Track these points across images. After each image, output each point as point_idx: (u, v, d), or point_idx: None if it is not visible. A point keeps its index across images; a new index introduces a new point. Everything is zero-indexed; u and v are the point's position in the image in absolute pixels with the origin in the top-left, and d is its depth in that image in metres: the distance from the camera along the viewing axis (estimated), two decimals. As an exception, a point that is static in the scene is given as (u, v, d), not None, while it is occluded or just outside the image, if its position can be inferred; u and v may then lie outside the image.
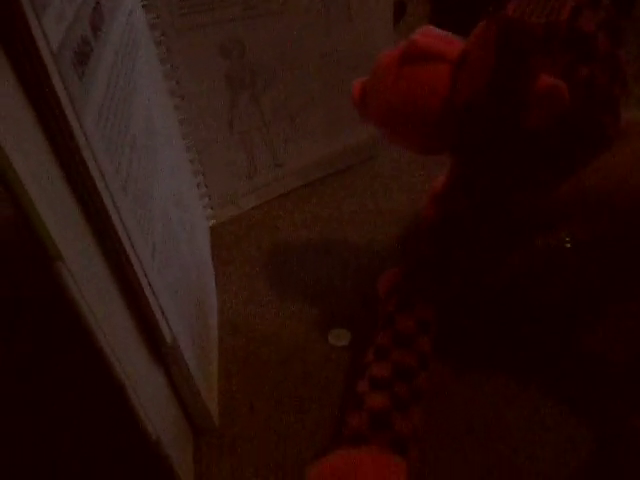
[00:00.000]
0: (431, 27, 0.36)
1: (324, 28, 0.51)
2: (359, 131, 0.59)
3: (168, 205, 0.35)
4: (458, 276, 0.38)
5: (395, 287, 0.39)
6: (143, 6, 0.40)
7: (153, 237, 0.30)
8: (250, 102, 0.50)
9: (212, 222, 0.54)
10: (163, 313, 0.29)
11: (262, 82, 0.49)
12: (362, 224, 0.54)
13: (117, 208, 0.24)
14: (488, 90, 0.31)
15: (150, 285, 0.27)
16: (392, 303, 0.38)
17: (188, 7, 0.42)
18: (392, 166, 0.61)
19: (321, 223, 0.54)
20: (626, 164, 0.31)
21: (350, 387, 0.37)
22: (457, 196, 0.36)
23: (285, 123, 0.53)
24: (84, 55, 0.23)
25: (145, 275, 0.26)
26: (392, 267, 0.48)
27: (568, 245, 0.31)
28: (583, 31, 0.30)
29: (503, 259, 0.37)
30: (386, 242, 0.52)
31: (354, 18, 0.52)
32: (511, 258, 0.37)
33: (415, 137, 0.38)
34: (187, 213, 0.43)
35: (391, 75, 0.36)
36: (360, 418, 0.33)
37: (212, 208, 0.54)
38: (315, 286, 0.48)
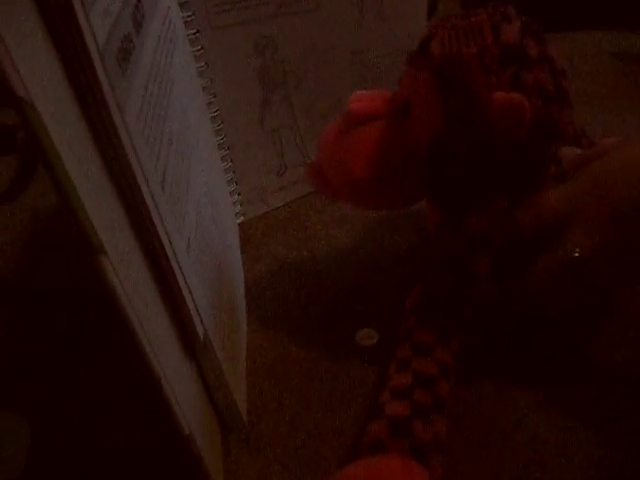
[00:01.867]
0: (360, 93, 0.37)
1: (356, 26, 0.50)
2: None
3: (201, 201, 0.36)
4: (472, 303, 0.37)
5: (415, 306, 0.39)
6: (179, 4, 0.40)
7: (188, 232, 0.30)
8: (282, 100, 0.50)
9: (241, 219, 0.55)
10: (196, 308, 0.29)
11: (294, 80, 0.49)
12: (390, 224, 0.54)
13: (156, 203, 0.24)
14: (448, 127, 0.32)
15: (185, 279, 0.27)
16: (412, 319, 0.38)
17: (222, 5, 0.43)
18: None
19: (349, 222, 0.54)
20: (614, 169, 0.31)
21: (372, 399, 0.37)
22: (452, 238, 0.35)
23: (316, 121, 0.53)
24: (127, 51, 0.24)
25: (180, 270, 0.27)
26: (418, 266, 0.48)
27: (577, 254, 0.31)
28: (510, 44, 0.31)
29: (515, 279, 0.36)
30: (413, 241, 0.52)
31: (387, 16, 0.52)
32: (522, 277, 0.35)
33: (382, 198, 0.39)
34: (218, 209, 0.43)
35: (338, 146, 0.37)
36: (379, 426, 0.32)
37: (242, 205, 0.54)
38: (342, 285, 0.48)
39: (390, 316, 0.45)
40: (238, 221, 0.55)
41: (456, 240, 0.34)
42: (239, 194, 0.53)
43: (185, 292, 0.27)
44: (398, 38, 0.54)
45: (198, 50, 0.43)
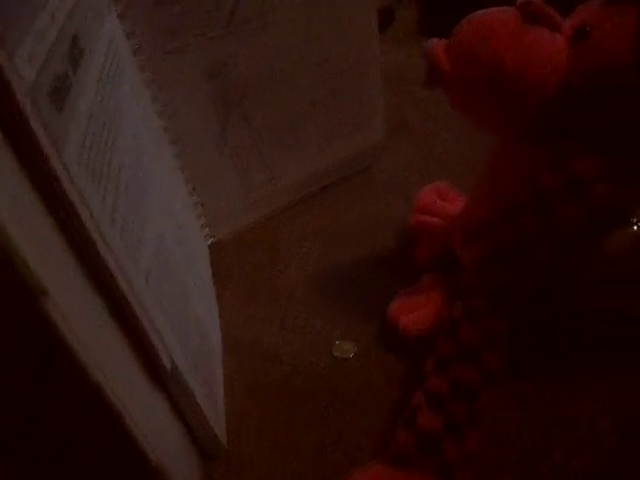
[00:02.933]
0: None
1: (309, 41, 0.51)
2: (353, 141, 0.59)
3: (162, 228, 0.35)
4: (534, 277, 0.35)
5: (458, 292, 0.36)
6: (126, 33, 0.40)
7: (147, 262, 0.30)
8: (241, 119, 0.50)
9: (211, 240, 0.54)
10: (161, 338, 0.29)
11: (252, 99, 0.49)
12: (362, 234, 0.54)
13: (104, 238, 0.24)
14: (632, 66, 0.30)
15: (146, 311, 0.27)
16: (457, 307, 0.35)
17: (170, 31, 0.43)
18: (387, 175, 0.61)
19: (321, 235, 0.54)
20: None
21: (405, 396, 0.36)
22: (550, 176, 0.33)
23: (279, 137, 0.53)
24: (63, 89, 0.23)
25: (139, 302, 0.26)
26: (392, 276, 0.49)
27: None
28: None
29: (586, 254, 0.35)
30: (386, 251, 0.52)
31: (338, 29, 0.52)
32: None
33: (514, 106, 0.34)
34: (185, 233, 0.43)
35: (505, 34, 0.33)
36: (408, 437, 0.32)
37: (210, 226, 0.54)
38: (317, 298, 0.48)
39: (367, 327, 0.45)
40: (208, 243, 0.54)
41: (554, 178, 0.33)
42: (206, 216, 0.53)
43: (146, 324, 0.27)
44: (350, 51, 0.54)
45: (149, 76, 0.43)
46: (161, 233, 0.35)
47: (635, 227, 0.30)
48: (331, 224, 0.55)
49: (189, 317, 0.36)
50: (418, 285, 0.45)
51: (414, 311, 0.42)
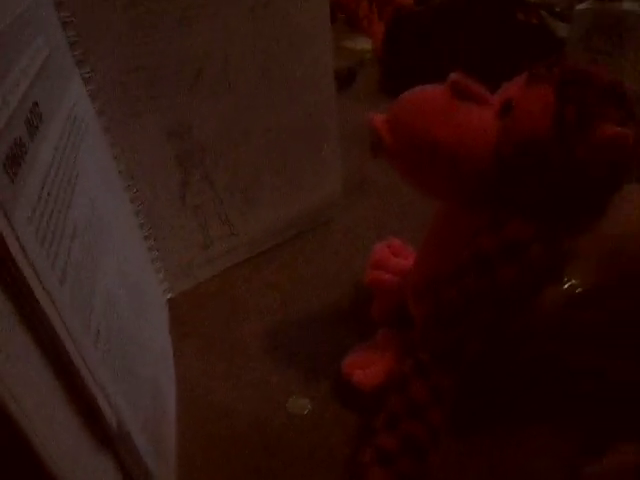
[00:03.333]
0: (461, 73, 0.36)
1: (267, 103, 0.53)
2: (311, 197, 0.61)
3: (114, 287, 0.36)
4: (477, 336, 0.36)
5: (410, 348, 0.38)
6: (90, 96, 0.42)
7: (96, 324, 0.30)
8: (202, 179, 0.51)
9: (169, 295, 0.55)
10: (107, 398, 0.29)
11: (212, 158, 0.51)
12: (320, 288, 0.55)
13: (53, 301, 0.24)
14: (552, 136, 0.32)
15: (91, 373, 0.27)
16: (409, 366, 0.36)
17: (134, 95, 0.44)
18: (345, 231, 0.63)
19: (278, 290, 0.55)
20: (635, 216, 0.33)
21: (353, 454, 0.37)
22: (489, 237, 0.35)
23: (237, 195, 0.55)
24: (17, 157, 0.24)
25: (85, 364, 0.27)
26: (348, 330, 0.50)
27: (578, 290, 0.32)
28: (629, 94, 0.33)
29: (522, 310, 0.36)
30: (343, 306, 0.53)
31: (295, 91, 0.55)
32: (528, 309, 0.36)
33: (451, 177, 0.37)
34: (139, 291, 0.43)
35: (437, 111, 0.35)
36: None
37: (169, 281, 0.54)
38: (273, 354, 0.48)
39: (322, 383, 0.45)
40: (167, 297, 0.55)
41: (492, 241, 0.34)
42: (166, 270, 0.53)
43: (92, 386, 0.27)
44: (307, 112, 0.57)
45: (112, 137, 0.44)
46: (112, 294, 0.35)
47: (566, 285, 0.32)
48: (289, 278, 0.57)
49: (139, 376, 0.36)
50: (373, 340, 0.46)
51: (368, 366, 0.43)
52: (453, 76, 0.35)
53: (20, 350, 0.23)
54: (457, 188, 0.37)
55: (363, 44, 1.12)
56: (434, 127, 0.35)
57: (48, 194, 0.27)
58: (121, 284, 0.37)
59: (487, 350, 0.37)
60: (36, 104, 0.29)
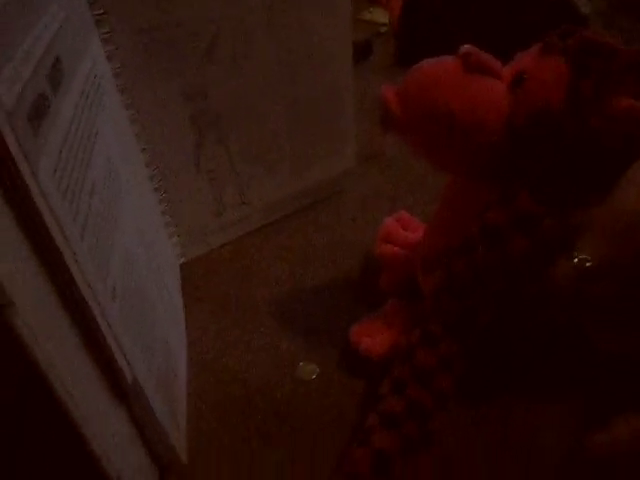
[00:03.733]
0: (473, 46, 0.36)
1: (285, 72, 0.53)
2: (325, 167, 0.61)
3: (131, 246, 0.36)
4: (489, 299, 0.37)
5: (419, 319, 0.38)
6: (107, 56, 0.42)
7: (113, 280, 0.30)
8: (216, 143, 0.51)
9: (182, 260, 0.55)
10: (124, 354, 0.29)
11: (227, 123, 0.51)
12: (330, 258, 0.55)
13: (74, 253, 0.25)
14: (566, 107, 0.32)
15: (110, 327, 0.28)
16: (416, 336, 0.37)
17: (151, 56, 0.44)
18: (357, 201, 0.63)
19: (289, 258, 0.56)
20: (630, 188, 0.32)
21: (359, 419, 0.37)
22: (498, 211, 0.35)
23: (252, 162, 0.55)
24: (41, 110, 0.25)
25: (104, 317, 0.27)
26: (357, 300, 0.50)
27: (589, 264, 0.32)
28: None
29: (531, 282, 0.36)
30: (353, 275, 0.53)
31: (314, 60, 0.54)
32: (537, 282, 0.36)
33: (463, 150, 0.36)
34: (155, 252, 0.44)
35: (450, 83, 0.35)
36: (363, 457, 0.33)
37: (181, 246, 0.54)
38: (284, 320, 0.49)
39: (330, 350, 0.46)
40: (179, 262, 0.55)
41: (502, 214, 0.35)
42: (178, 235, 0.54)
43: (110, 339, 0.28)
44: (325, 82, 0.56)
45: (128, 99, 0.44)
46: (130, 252, 0.36)
47: (575, 260, 0.32)
48: (300, 247, 0.57)
49: (154, 335, 0.37)
50: (381, 310, 0.46)
51: (376, 335, 0.44)
52: (465, 48, 0.35)
53: (43, 302, 0.23)
54: (470, 160, 0.37)
55: (380, 17, 1.11)
56: (448, 98, 0.35)
57: (69, 149, 0.27)
58: (139, 243, 0.38)
59: (498, 319, 0.37)
60: (58, 59, 0.29)
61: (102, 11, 0.41)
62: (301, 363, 0.45)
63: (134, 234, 0.38)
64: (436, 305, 0.38)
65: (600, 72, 0.32)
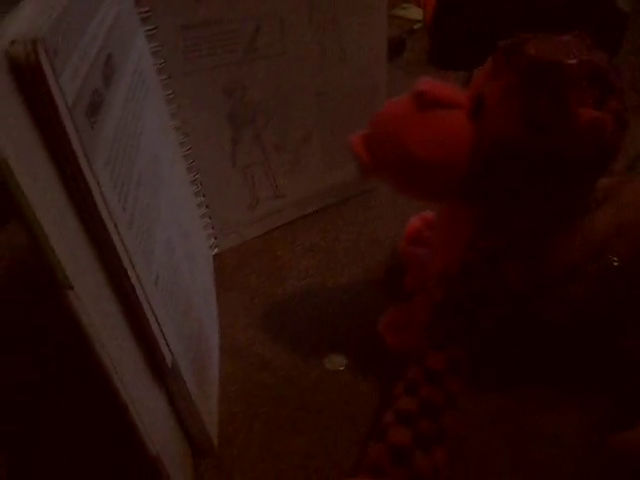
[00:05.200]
0: (428, 78, 0.35)
1: (320, 68, 0.54)
2: (356, 164, 0.62)
3: (172, 236, 0.38)
4: (492, 316, 0.38)
5: (427, 326, 0.39)
6: (152, 52, 0.43)
7: (157, 266, 0.32)
8: (252, 138, 0.53)
9: (215, 250, 0.57)
10: (164, 338, 0.31)
11: (263, 119, 0.52)
12: (359, 253, 0.56)
13: (123, 241, 0.26)
14: (527, 131, 0.31)
15: (153, 311, 0.29)
16: (425, 340, 0.38)
17: (193, 52, 0.46)
18: (388, 197, 0.64)
19: (320, 252, 0.57)
20: None
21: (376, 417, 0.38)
22: (488, 239, 0.36)
23: (286, 157, 0.56)
24: (96, 105, 0.26)
25: (148, 302, 0.29)
26: (386, 295, 0.51)
27: (616, 263, 0.33)
28: (602, 67, 0.31)
29: (546, 292, 0.37)
30: (381, 271, 0.54)
31: (348, 57, 0.55)
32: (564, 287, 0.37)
33: (434, 186, 0.36)
34: (191, 242, 0.45)
35: (409, 125, 0.34)
36: (381, 450, 0.33)
37: (215, 237, 0.56)
38: (313, 312, 0.50)
39: (358, 342, 0.47)
40: (212, 252, 0.57)
41: (492, 241, 0.35)
42: (213, 227, 0.55)
43: (152, 323, 0.29)
44: (359, 79, 0.57)
45: (170, 94, 0.46)
46: (170, 241, 0.37)
47: (604, 261, 0.33)
48: (330, 242, 0.58)
49: (191, 321, 0.38)
50: (410, 303, 0.47)
51: (403, 328, 0.44)
52: (418, 86, 0.34)
53: (97, 286, 0.25)
54: (443, 193, 0.37)
55: (414, 13, 1.10)
56: (405, 140, 0.34)
57: (119, 143, 0.29)
58: (177, 233, 0.40)
59: (506, 324, 0.38)
60: (110, 55, 0.30)
61: (147, 9, 0.42)
62: (329, 354, 0.46)
63: (173, 224, 0.39)
64: (440, 319, 0.39)
65: (552, 87, 0.31)
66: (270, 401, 0.43)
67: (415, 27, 1.06)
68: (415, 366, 0.37)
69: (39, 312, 0.33)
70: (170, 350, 0.32)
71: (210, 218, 0.54)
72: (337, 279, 0.54)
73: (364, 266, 0.55)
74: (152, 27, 0.43)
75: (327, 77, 0.55)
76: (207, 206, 0.53)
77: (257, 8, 0.47)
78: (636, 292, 0.35)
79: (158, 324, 0.30)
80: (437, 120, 0.34)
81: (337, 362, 0.45)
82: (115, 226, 0.26)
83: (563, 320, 0.38)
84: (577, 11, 0.82)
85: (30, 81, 0.20)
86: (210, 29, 0.45)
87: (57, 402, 0.31)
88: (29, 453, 0.36)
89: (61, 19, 0.23)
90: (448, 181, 0.35)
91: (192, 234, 0.47)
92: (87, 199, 0.23)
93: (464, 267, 0.37)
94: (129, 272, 0.26)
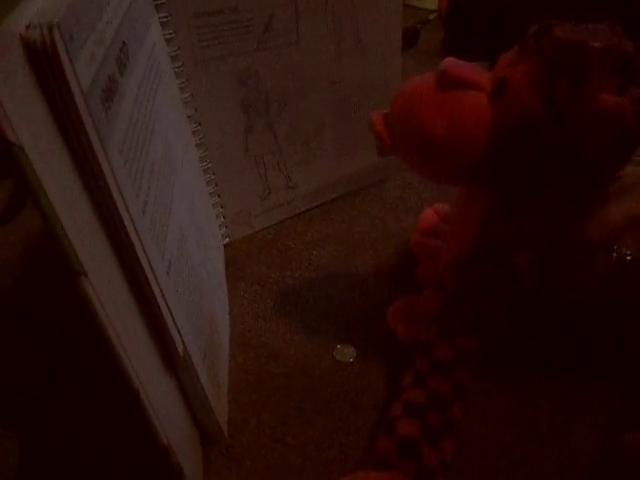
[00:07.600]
0: (453, 59, 0.35)
1: (335, 58, 0.53)
2: (369, 155, 0.62)
3: (184, 224, 0.38)
4: (501, 304, 0.37)
5: (436, 316, 0.39)
6: (165, 40, 0.43)
7: (169, 255, 0.32)
8: (265, 128, 0.52)
9: (227, 240, 0.57)
10: (176, 326, 0.31)
11: (276, 109, 0.52)
12: (370, 245, 0.56)
13: (136, 228, 0.26)
14: (547, 114, 0.31)
15: (165, 300, 0.29)
16: (433, 332, 0.38)
17: (207, 40, 0.45)
18: (400, 189, 0.63)
19: (331, 243, 0.57)
20: None
21: (384, 410, 0.38)
22: (501, 226, 0.36)
23: (298, 147, 0.56)
24: (111, 91, 0.26)
25: (160, 290, 0.29)
26: (396, 287, 0.51)
27: (629, 257, 0.33)
28: (630, 53, 0.31)
29: (559, 280, 0.37)
30: (393, 263, 0.54)
31: (363, 47, 0.55)
32: (576, 277, 0.36)
33: (450, 167, 0.36)
34: (202, 231, 0.45)
35: (428, 104, 0.35)
36: (388, 443, 0.33)
37: (227, 227, 0.56)
38: (323, 303, 0.50)
39: (368, 334, 0.47)
40: (224, 242, 0.57)
41: (504, 229, 0.35)
42: (224, 217, 0.55)
43: (165, 311, 0.29)
44: (373, 69, 0.57)
45: (183, 82, 0.46)
46: (183, 230, 0.37)
47: (615, 254, 0.32)
48: (341, 233, 0.58)
49: (202, 310, 0.38)
50: (421, 294, 0.47)
51: (413, 320, 0.44)
52: (442, 65, 0.34)
53: (109, 273, 0.25)
54: (460, 175, 0.37)
55: (429, 3, 1.09)
56: (425, 119, 0.34)
57: (133, 130, 0.29)
58: (190, 222, 0.39)
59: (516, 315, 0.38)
60: (125, 42, 0.30)
61: (162, -5, 0.42)
62: (339, 345, 0.46)
63: (186, 213, 0.39)
64: (450, 307, 0.38)
65: (574, 69, 0.30)
66: (280, 391, 0.43)
67: (430, 17, 1.05)
68: (423, 357, 0.37)
69: (53, 299, 0.33)
70: (182, 339, 0.32)
71: (222, 207, 0.54)
72: (348, 270, 0.53)
73: (376, 258, 0.55)
74: (166, 14, 0.42)
75: (341, 66, 0.54)
76: (219, 195, 0.53)
77: (272, -5, 0.47)
78: None
79: (170, 312, 0.30)
80: (457, 100, 0.34)
81: (347, 353, 0.45)
82: (128, 212, 0.25)
83: (573, 311, 0.38)
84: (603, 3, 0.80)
85: (45, 66, 0.20)
86: (224, 17, 0.45)
87: (70, 388, 0.31)
88: (43, 438, 0.36)
89: (76, 5, 0.23)
90: (465, 163, 0.35)
91: (204, 223, 0.47)
92: (101, 185, 0.23)
93: (474, 255, 0.37)
94: (141, 259, 0.26)
